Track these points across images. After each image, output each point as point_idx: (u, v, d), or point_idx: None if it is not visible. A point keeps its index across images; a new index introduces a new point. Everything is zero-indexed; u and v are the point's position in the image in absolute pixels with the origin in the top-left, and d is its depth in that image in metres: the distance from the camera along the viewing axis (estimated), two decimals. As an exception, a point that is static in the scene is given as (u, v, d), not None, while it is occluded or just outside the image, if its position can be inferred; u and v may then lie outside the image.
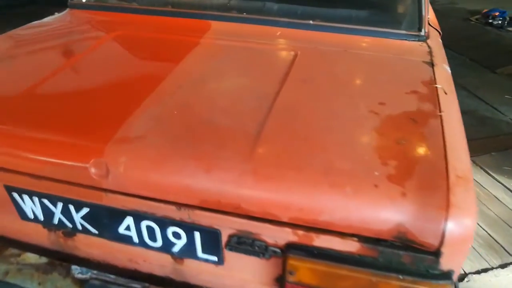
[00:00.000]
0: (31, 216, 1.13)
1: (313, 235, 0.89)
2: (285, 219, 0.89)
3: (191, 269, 1.08)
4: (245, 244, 0.97)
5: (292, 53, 1.41)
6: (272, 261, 0.98)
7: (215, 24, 1.61)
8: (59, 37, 1.58)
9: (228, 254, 1.02)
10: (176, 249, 1.05)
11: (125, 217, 1.03)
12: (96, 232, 1.10)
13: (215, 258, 1.03)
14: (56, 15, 1.82)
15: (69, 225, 1.11)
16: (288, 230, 0.90)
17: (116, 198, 0.99)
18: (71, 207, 1.06)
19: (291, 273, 0.93)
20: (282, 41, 1.52)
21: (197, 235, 1.00)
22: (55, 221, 1.12)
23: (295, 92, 1.18)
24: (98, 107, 1.12)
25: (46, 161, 1.00)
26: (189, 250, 1.04)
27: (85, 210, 1.05)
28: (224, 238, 0.99)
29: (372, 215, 0.85)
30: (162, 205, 0.96)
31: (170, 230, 1.01)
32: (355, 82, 1.28)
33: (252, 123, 1.05)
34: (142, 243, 1.07)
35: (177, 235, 1.02)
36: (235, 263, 1.03)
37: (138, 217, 1.02)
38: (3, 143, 1.03)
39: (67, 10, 1.84)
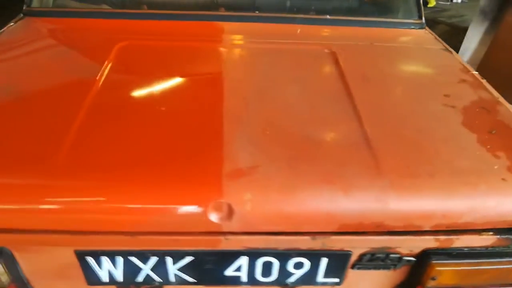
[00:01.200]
0: (106, 279, 0.93)
1: (453, 237, 0.90)
2: (427, 228, 0.88)
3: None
4: (377, 259, 0.93)
5: (327, 50, 1.37)
6: (399, 270, 0.97)
7: (227, 26, 1.47)
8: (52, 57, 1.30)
9: (351, 273, 0.97)
10: (292, 279, 0.96)
11: (238, 257, 0.91)
12: (194, 280, 0.95)
13: (336, 280, 0.98)
14: (12, 25, 1.48)
15: (158, 279, 0.94)
16: (429, 237, 0.89)
17: (236, 240, 0.86)
18: (168, 260, 0.90)
19: (434, 278, 0.92)
20: (310, 39, 1.45)
21: (323, 261, 0.93)
22: (140, 278, 0.94)
23: (365, 92, 1.15)
24: (178, 141, 0.95)
25: (147, 214, 0.82)
26: (308, 277, 0.96)
27: (187, 260, 0.90)
28: (353, 258, 0.93)
29: (506, 207, 0.89)
30: (291, 237, 0.87)
31: (292, 261, 0.92)
32: (407, 76, 1.30)
33: (351, 130, 1.00)
34: (251, 281, 0.96)
35: (299, 265, 0.94)
36: (355, 280, 0.99)
37: (255, 255, 0.91)
38: (83, 203, 0.82)
39: (25, 19, 1.52)
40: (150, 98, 1.11)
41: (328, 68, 1.26)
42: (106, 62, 1.21)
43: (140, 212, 0.83)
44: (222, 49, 1.34)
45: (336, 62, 1.29)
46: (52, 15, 1.52)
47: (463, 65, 1.36)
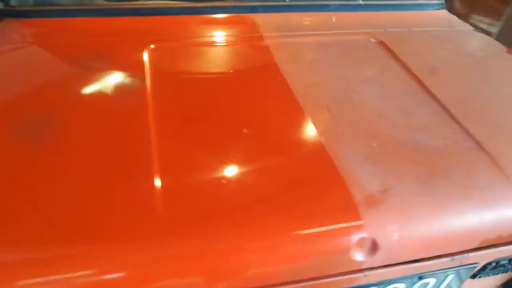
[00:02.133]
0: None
1: None
2: None
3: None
4: (500, 266, 0.89)
5: (374, 40, 1.27)
6: None
7: (259, 18, 1.31)
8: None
9: (469, 281, 0.92)
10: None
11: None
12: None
13: (454, 291, 0.92)
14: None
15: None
16: None
17: (374, 275, 0.76)
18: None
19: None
20: (349, 28, 1.34)
21: (449, 277, 0.87)
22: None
23: (442, 87, 1.07)
24: (281, 166, 0.81)
25: (282, 263, 0.70)
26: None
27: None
28: (477, 268, 0.88)
29: None
30: (431, 262, 0.79)
31: (420, 283, 0.85)
32: (468, 64, 1.24)
33: (455, 133, 0.92)
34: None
35: (424, 285, 0.87)
36: (470, 285, 0.95)
37: (385, 284, 0.82)
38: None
39: (4, 21, 1.24)
40: (219, 115, 0.94)
41: (389, 62, 1.17)
42: (144, 74, 1.01)
43: (273, 261, 0.70)
44: (267, 47, 1.19)
45: (392, 53, 1.20)
46: (40, 15, 1.25)
47: (502, 46, 1.34)
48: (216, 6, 1.32)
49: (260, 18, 1.31)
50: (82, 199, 0.71)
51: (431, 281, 0.86)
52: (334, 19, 1.37)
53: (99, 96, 0.96)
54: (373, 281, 0.79)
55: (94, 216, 0.69)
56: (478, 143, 0.89)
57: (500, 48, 1.33)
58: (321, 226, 0.71)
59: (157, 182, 0.75)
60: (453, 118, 0.96)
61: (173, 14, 1.29)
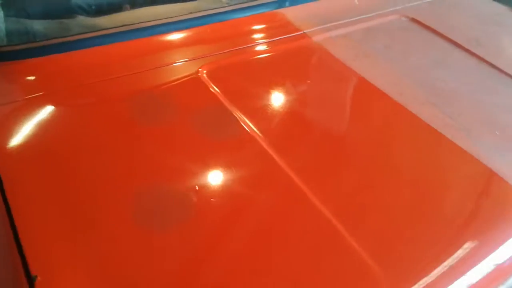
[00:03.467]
0: None
1: None
2: None
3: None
4: None
5: (405, 18, 1.25)
6: None
7: (288, 12, 1.18)
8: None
9: None
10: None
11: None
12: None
13: None
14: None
15: None
16: None
17: None
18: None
19: None
20: (375, 9, 1.27)
21: None
22: None
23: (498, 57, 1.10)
24: None
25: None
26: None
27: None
28: None
29: None
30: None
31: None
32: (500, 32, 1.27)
33: None
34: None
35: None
36: None
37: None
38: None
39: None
40: (334, 131, 0.84)
41: (440, 43, 1.16)
42: (223, 105, 0.85)
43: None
44: (319, 44, 1.08)
45: (434, 31, 1.19)
46: (32, 54, 0.95)
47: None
48: (239, 8, 1.15)
49: (289, 13, 1.19)
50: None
51: None
52: (357, 2, 1.30)
53: (199, 149, 0.77)
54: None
55: None
56: None
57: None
58: None
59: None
60: None
61: (191, 27, 1.09)
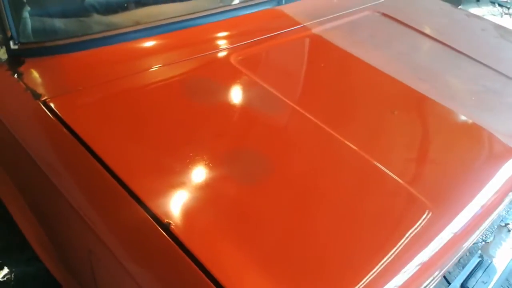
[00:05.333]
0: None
1: None
2: None
3: None
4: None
5: (378, 13, 1.48)
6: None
7: (285, 9, 1.35)
8: None
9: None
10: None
11: None
12: None
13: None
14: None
15: None
16: None
17: None
18: None
19: None
20: (353, 4, 1.50)
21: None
22: None
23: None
24: None
25: None
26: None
27: None
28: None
29: None
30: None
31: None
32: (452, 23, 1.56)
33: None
34: None
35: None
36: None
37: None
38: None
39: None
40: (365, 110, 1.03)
41: (410, 33, 1.40)
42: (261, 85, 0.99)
43: None
44: (319, 35, 1.27)
45: (402, 23, 1.44)
46: (64, 50, 1.01)
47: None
48: (248, 5, 1.29)
49: (287, 10, 1.36)
50: None
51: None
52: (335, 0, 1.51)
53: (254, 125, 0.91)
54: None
55: None
56: None
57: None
58: None
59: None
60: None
61: (199, 24, 1.21)
